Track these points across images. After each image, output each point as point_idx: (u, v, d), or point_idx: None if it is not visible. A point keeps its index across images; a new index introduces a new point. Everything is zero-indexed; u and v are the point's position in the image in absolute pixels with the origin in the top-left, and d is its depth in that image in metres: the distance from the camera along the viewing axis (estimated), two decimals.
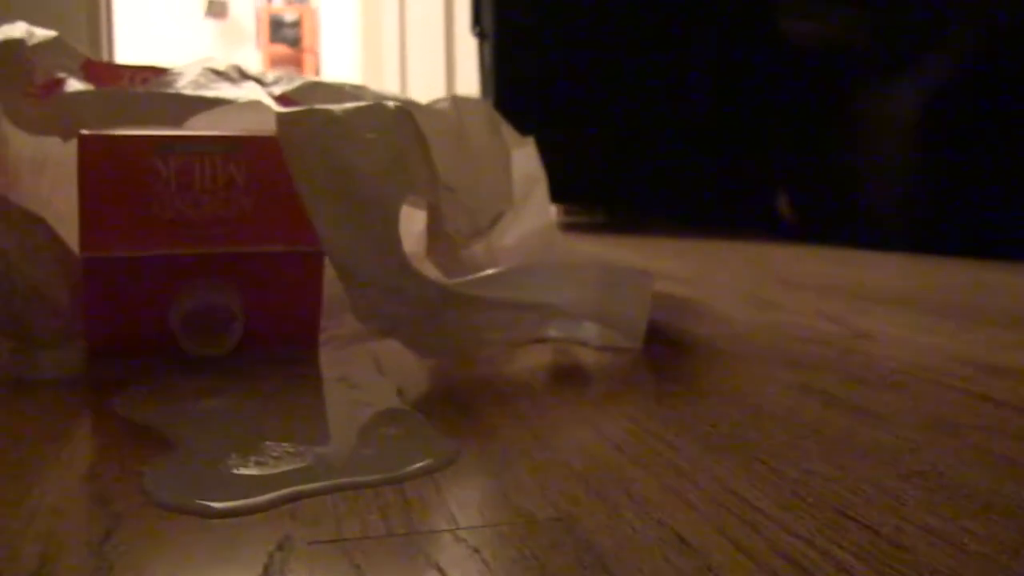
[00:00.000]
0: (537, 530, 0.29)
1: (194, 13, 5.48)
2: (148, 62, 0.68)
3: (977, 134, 1.13)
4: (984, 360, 0.54)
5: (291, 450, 0.37)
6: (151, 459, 0.36)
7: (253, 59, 5.23)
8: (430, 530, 0.30)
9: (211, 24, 5.54)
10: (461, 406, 0.45)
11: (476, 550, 0.28)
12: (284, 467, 0.35)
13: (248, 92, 0.60)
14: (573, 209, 1.80)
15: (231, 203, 0.52)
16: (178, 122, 0.56)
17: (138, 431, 0.41)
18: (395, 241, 0.48)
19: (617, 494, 0.33)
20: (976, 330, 0.65)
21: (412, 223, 0.61)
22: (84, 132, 0.51)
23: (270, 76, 0.69)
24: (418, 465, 0.35)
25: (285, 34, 5.46)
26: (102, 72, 0.65)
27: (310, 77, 0.79)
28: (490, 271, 0.52)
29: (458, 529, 0.30)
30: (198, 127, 0.56)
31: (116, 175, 0.51)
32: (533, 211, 0.77)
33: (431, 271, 0.56)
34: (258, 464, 0.35)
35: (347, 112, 0.49)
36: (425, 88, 3.13)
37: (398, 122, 0.50)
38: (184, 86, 0.61)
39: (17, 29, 0.59)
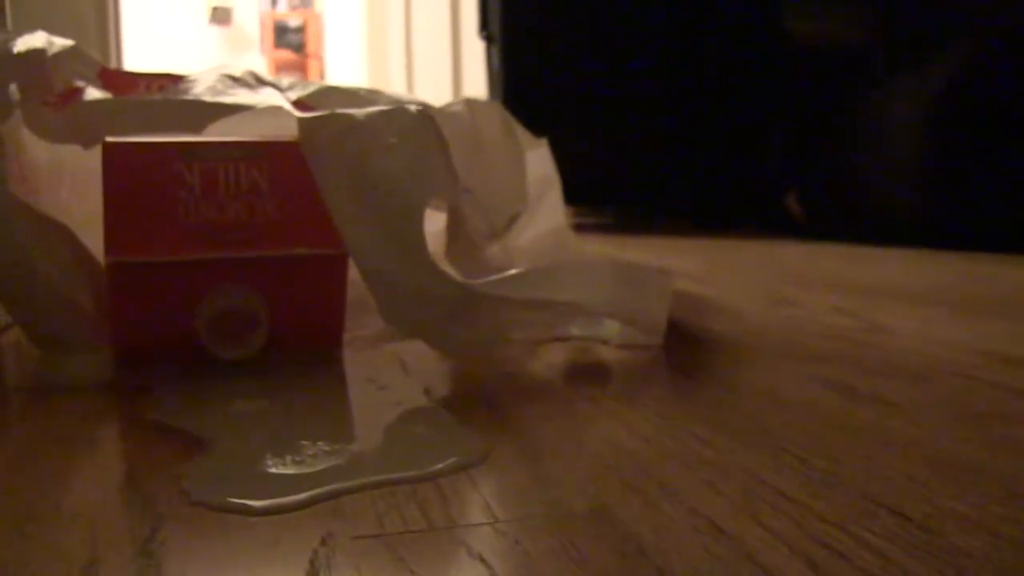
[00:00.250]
0: (575, 521, 0.30)
1: (198, 20, 5.49)
2: (162, 70, 0.69)
3: (986, 129, 1.13)
4: (1002, 351, 0.55)
5: (327, 449, 0.37)
6: (187, 460, 0.37)
7: (257, 65, 5.20)
8: (469, 523, 0.30)
9: (215, 31, 5.55)
10: (489, 404, 0.46)
11: (517, 541, 0.29)
12: (321, 465, 0.35)
13: (267, 98, 0.60)
14: (582, 210, 1.80)
15: (255, 208, 0.53)
16: (198, 129, 0.57)
17: (171, 434, 0.41)
18: (420, 242, 0.48)
19: (650, 485, 0.33)
20: (991, 323, 0.65)
21: (429, 224, 0.62)
22: (109, 139, 0.52)
23: (285, 81, 0.70)
24: (452, 461, 0.36)
25: (289, 40, 5.48)
26: (118, 80, 0.65)
27: (324, 82, 0.80)
28: (512, 271, 0.53)
29: (497, 522, 0.30)
30: (218, 133, 0.56)
31: (141, 182, 0.52)
32: (547, 212, 0.78)
33: (452, 272, 0.57)
34: (295, 463, 0.36)
35: (369, 116, 0.50)
36: (432, 92, 3.13)
37: (420, 125, 0.51)
38: (202, 93, 0.61)
39: (38, 39, 0.60)
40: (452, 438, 0.39)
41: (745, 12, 1.53)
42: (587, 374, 0.52)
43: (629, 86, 1.60)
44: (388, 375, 0.51)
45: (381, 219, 0.48)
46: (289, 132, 0.52)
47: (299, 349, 0.55)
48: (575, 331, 0.59)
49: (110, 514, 0.32)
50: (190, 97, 0.61)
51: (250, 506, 0.32)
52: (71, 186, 0.62)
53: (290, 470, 0.35)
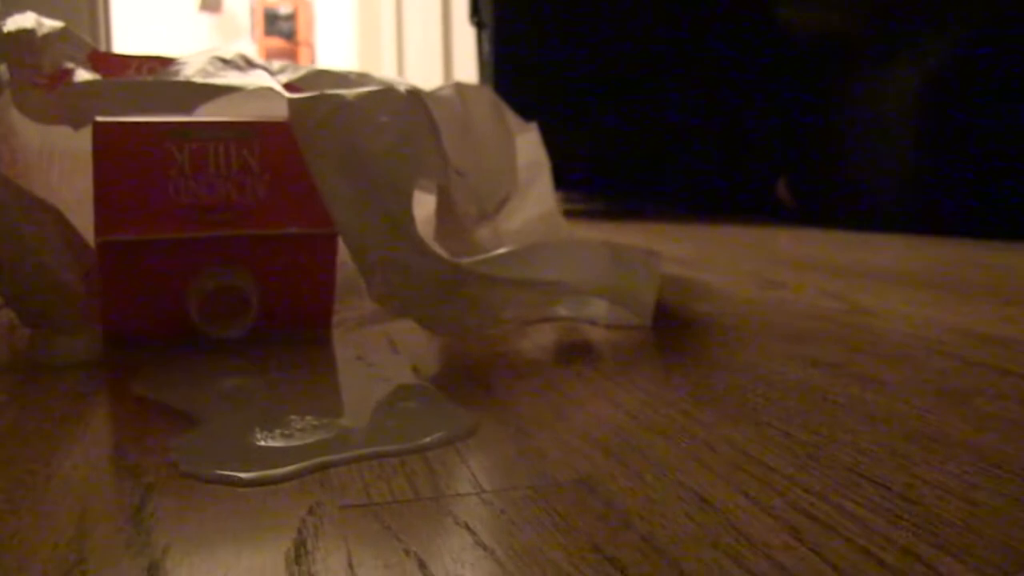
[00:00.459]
0: (561, 492, 0.30)
1: (188, 7, 5.47)
2: (153, 53, 0.69)
3: (974, 115, 1.14)
4: (987, 332, 0.55)
5: (315, 423, 0.38)
6: (176, 434, 0.37)
7: (248, 53, 5.21)
8: (456, 493, 0.30)
9: (206, 18, 5.53)
10: (477, 381, 0.46)
11: (503, 511, 0.29)
12: (309, 439, 0.36)
13: (257, 79, 0.60)
14: (572, 196, 1.80)
15: (245, 187, 0.53)
16: (188, 110, 0.57)
17: (160, 410, 0.42)
18: (409, 221, 0.48)
19: (636, 459, 0.34)
20: (975, 304, 0.65)
21: (419, 208, 0.62)
22: (99, 119, 0.52)
23: (275, 65, 0.70)
24: (440, 435, 0.36)
25: (280, 27, 5.45)
26: (109, 62, 0.65)
27: (315, 66, 0.80)
28: (502, 250, 0.53)
29: (483, 492, 0.31)
30: (208, 114, 0.57)
31: (131, 161, 0.52)
32: (537, 196, 0.78)
33: (443, 253, 0.57)
34: (283, 436, 0.36)
35: (359, 97, 0.50)
36: (423, 79, 3.13)
37: (409, 106, 0.51)
38: (192, 75, 0.61)
39: (27, 20, 0.60)
40: (440, 413, 0.40)
41: None
42: (576, 353, 0.53)
43: (619, 72, 1.60)
44: (377, 353, 0.52)
45: (371, 199, 0.48)
46: (279, 114, 0.52)
47: (289, 328, 0.56)
48: (564, 311, 0.59)
49: (99, 486, 0.32)
50: (180, 79, 0.61)
51: (238, 477, 0.32)
52: (61, 168, 0.62)
53: (279, 443, 0.35)
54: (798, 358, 0.49)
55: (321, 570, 0.25)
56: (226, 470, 0.33)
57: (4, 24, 0.56)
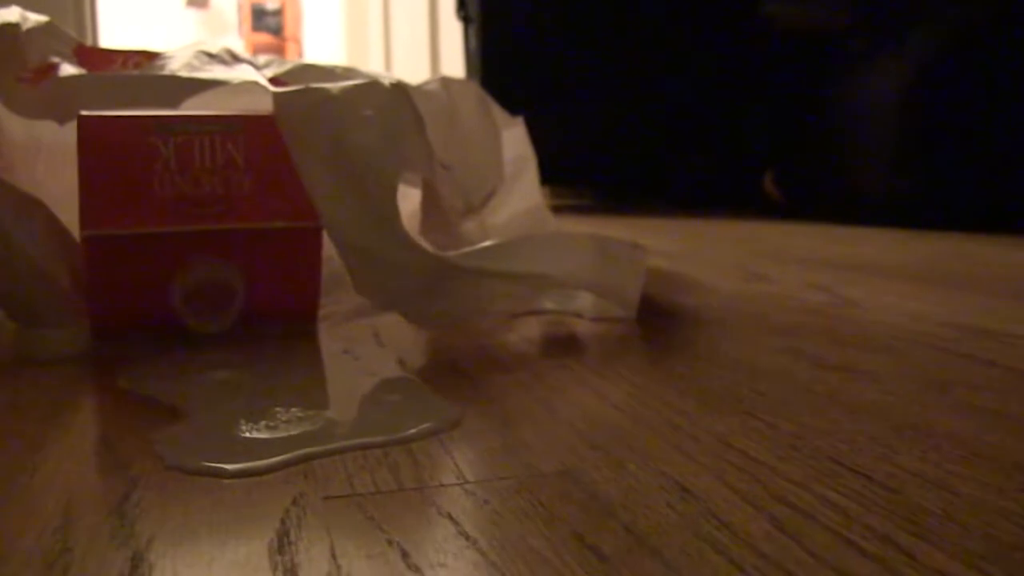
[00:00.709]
0: (544, 482, 0.31)
1: (175, 3, 5.45)
2: (139, 47, 0.69)
3: (960, 110, 1.14)
4: (968, 323, 0.56)
5: (300, 415, 0.38)
6: (161, 427, 0.37)
7: (236, 48, 5.20)
8: (440, 484, 0.31)
9: (192, 14, 5.51)
10: (462, 374, 0.46)
11: (486, 501, 0.29)
12: (294, 431, 0.36)
13: (242, 73, 0.60)
14: (559, 190, 1.80)
15: (230, 181, 0.53)
16: (174, 104, 0.57)
17: (145, 403, 0.42)
18: (394, 214, 0.49)
19: (620, 449, 0.34)
20: (960, 297, 0.66)
21: (405, 201, 0.62)
22: (84, 113, 0.52)
23: (261, 59, 0.70)
24: (424, 426, 0.36)
25: (268, 23, 5.44)
26: (94, 57, 0.65)
27: (301, 60, 0.80)
28: (487, 243, 0.53)
29: (467, 483, 0.31)
30: (194, 108, 0.57)
31: (116, 155, 0.52)
32: (523, 191, 0.78)
33: (428, 246, 0.57)
34: (268, 428, 0.36)
35: (344, 90, 0.50)
36: (410, 74, 3.13)
37: (394, 99, 0.51)
38: (178, 69, 0.61)
39: (12, 14, 0.60)
40: (425, 405, 0.40)
41: None
42: (561, 345, 0.53)
43: (606, 67, 1.60)
44: (362, 347, 0.52)
45: (356, 192, 0.48)
46: (265, 108, 0.52)
47: (274, 322, 0.56)
48: (549, 304, 0.59)
49: (85, 478, 0.32)
50: (166, 73, 0.61)
51: (223, 469, 0.32)
52: (47, 162, 0.61)
53: (264, 435, 0.35)
54: (783, 350, 0.49)
55: (304, 560, 0.25)
56: (211, 462, 0.33)
57: None
